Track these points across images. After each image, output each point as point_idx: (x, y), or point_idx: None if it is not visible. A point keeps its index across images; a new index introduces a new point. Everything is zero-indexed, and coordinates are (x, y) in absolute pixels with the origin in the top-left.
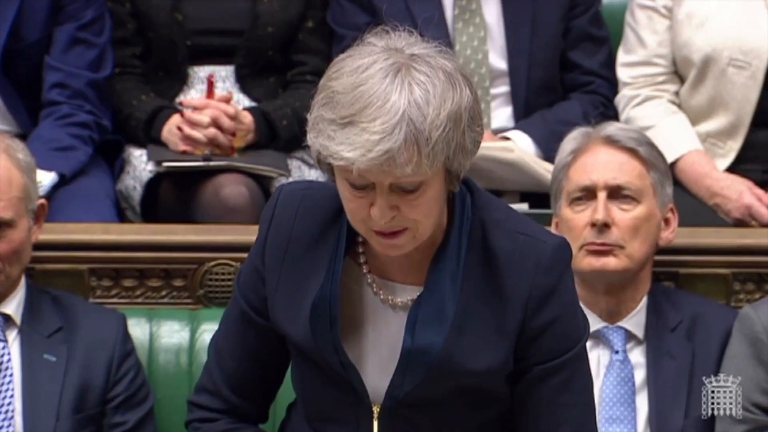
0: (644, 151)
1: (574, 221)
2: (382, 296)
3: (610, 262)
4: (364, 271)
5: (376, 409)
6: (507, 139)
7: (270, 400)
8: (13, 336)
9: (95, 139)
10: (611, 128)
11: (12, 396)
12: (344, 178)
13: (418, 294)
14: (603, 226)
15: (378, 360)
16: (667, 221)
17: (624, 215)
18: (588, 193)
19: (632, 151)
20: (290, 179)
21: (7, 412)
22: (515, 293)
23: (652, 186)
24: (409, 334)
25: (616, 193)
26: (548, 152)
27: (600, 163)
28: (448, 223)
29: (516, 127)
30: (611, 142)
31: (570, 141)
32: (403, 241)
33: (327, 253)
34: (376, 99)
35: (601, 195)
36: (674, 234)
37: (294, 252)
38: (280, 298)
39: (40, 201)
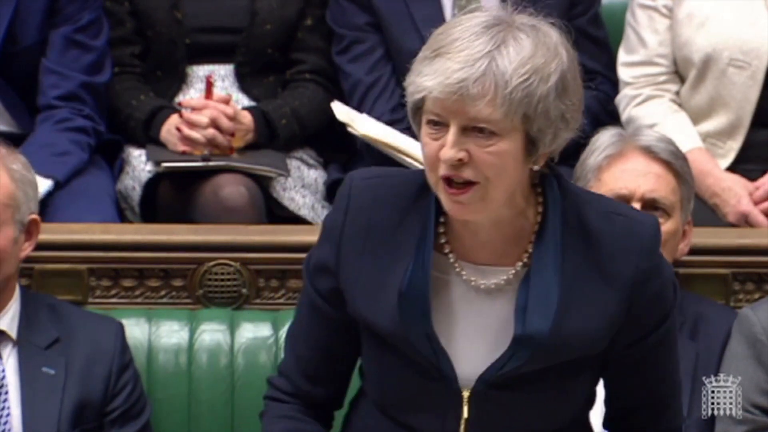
0: (679, 165)
1: None
2: (473, 282)
3: None
4: (450, 259)
5: (465, 394)
6: None
7: (343, 387)
8: (8, 351)
9: (92, 145)
10: (649, 138)
11: (9, 415)
12: (425, 121)
13: (506, 276)
14: None
15: (468, 344)
16: (684, 233)
17: None
18: (621, 201)
19: (668, 164)
20: (289, 179)
21: (4, 431)
22: (619, 276)
23: (680, 201)
24: (520, 322)
25: (649, 205)
26: None
27: (637, 174)
28: (543, 206)
29: None
30: (649, 152)
31: (604, 142)
32: (469, 198)
33: (409, 240)
34: (467, 33)
35: (636, 206)
36: (688, 246)
37: (374, 241)
38: (360, 288)
39: (32, 216)
